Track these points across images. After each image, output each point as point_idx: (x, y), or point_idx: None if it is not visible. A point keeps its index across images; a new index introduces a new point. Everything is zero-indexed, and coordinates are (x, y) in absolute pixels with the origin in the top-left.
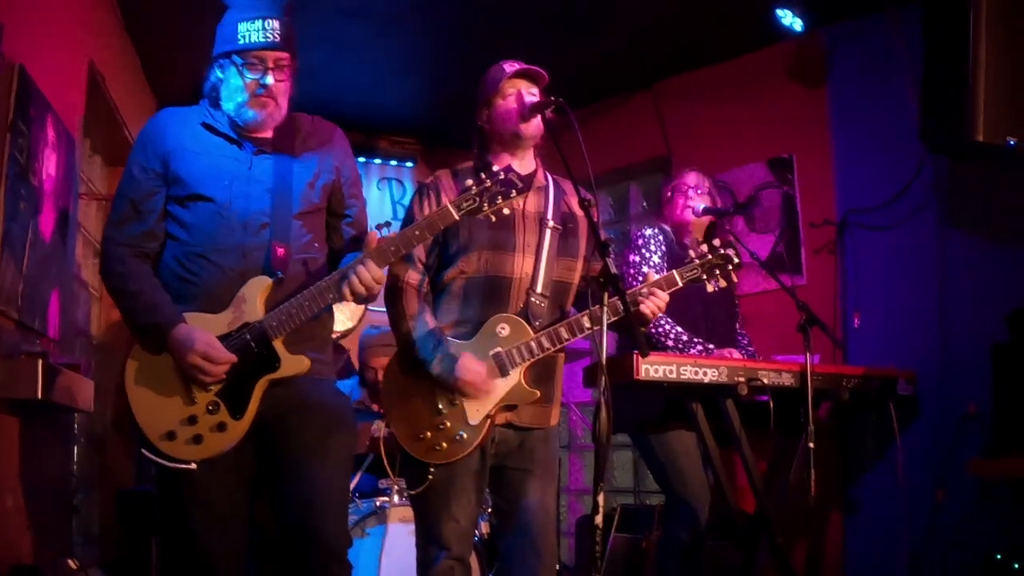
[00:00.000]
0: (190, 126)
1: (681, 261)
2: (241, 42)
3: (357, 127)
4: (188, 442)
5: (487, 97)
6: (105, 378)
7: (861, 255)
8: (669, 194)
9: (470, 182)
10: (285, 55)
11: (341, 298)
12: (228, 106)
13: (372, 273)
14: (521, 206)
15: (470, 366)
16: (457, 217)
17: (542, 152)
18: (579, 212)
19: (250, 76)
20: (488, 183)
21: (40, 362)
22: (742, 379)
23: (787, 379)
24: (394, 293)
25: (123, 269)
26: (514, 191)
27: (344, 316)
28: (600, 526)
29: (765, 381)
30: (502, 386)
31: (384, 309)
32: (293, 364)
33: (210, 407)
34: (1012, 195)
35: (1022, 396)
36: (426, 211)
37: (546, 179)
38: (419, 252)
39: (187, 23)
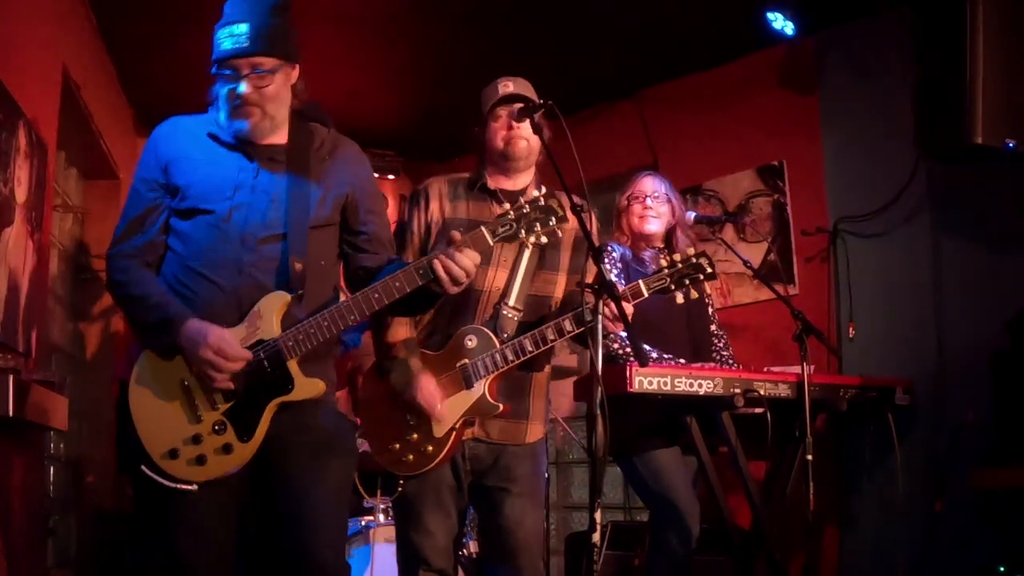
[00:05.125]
0: (195, 135)
1: (637, 277)
2: (216, 52)
3: None
4: (191, 462)
5: (483, 115)
6: (81, 396)
7: (854, 263)
8: (625, 203)
9: (507, 206)
10: (261, 59)
11: (362, 318)
12: (221, 118)
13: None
14: None
15: (426, 387)
16: (492, 243)
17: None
18: (564, 226)
19: (227, 86)
20: (526, 208)
21: (12, 378)
22: (738, 391)
23: (784, 390)
24: None
25: (126, 277)
26: (553, 219)
27: None
28: (597, 544)
29: (761, 392)
30: (466, 399)
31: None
32: (307, 388)
33: (216, 427)
34: (1007, 199)
35: (1023, 405)
36: (417, 218)
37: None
38: None
39: (163, 34)
